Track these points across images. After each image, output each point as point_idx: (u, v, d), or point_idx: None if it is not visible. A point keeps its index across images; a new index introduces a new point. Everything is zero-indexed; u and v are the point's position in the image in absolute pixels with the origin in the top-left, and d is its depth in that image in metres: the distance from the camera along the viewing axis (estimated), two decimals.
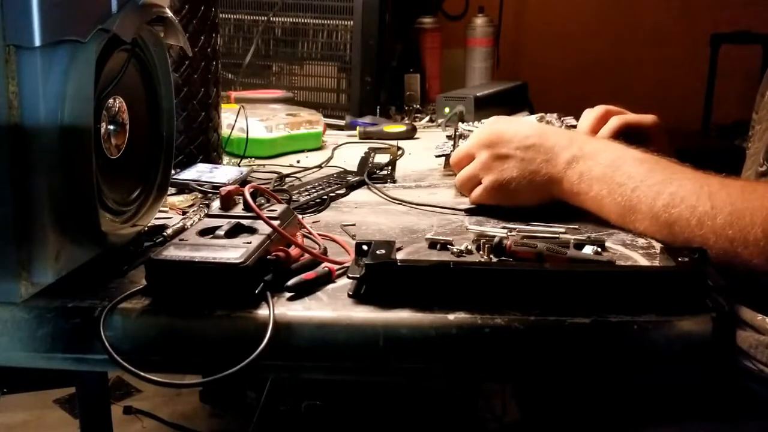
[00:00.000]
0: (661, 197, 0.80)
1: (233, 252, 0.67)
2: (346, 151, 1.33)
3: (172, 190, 0.97)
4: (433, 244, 0.81)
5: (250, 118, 1.25)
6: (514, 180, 0.90)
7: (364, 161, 1.17)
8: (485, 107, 1.56)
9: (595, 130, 1.06)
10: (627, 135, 1.02)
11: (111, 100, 0.73)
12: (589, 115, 1.09)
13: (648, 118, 1.07)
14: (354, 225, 0.89)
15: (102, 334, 0.63)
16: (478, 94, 1.57)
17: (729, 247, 0.74)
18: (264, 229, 0.73)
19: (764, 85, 1.05)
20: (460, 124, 1.24)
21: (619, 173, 0.84)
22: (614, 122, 1.05)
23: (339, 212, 0.96)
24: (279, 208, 0.79)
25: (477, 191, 0.93)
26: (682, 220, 0.78)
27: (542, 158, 0.89)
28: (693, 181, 0.80)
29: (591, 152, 0.88)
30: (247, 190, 0.76)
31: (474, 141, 0.95)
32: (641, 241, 0.81)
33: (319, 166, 1.21)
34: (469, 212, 0.94)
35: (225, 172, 1.08)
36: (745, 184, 0.81)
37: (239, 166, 1.19)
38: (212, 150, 1.17)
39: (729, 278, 0.71)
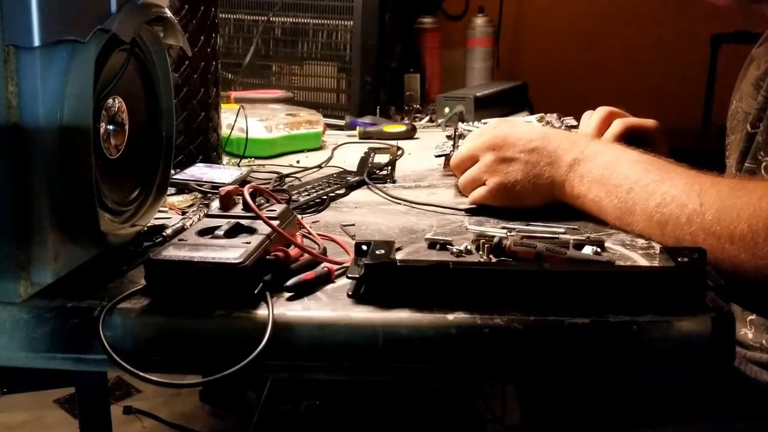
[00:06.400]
0: (653, 197, 0.80)
1: (232, 252, 0.66)
2: (346, 151, 1.33)
3: (171, 190, 0.97)
4: (432, 244, 0.81)
5: (250, 118, 1.25)
6: (518, 183, 0.90)
7: (363, 161, 1.17)
8: (485, 107, 1.56)
9: (600, 132, 1.06)
10: (629, 138, 1.02)
11: (110, 100, 0.73)
12: (593, 117, 1.09)
13: (649, 122, 1.07)
14: (353, 225, 0.89)
15: (101, 334, 0.63)
16: (478, 94, 1.57)
17: (716, 243, 0.74)
18: (263, 229, 0.72)
19: (735, 92, 1.05)
20: (460, 124, 1.24)
21: (615, 175, 0.84)
22: (618, 125, 1.06)
23: (339, 212, 0.96)
24: (278, 208, 0.79)
25: (480, 191, 0.93)
26: (673, 218, 0.78)
27: (545, 161, 0.89)
28: (685, 179, 0.80)
29: (591, 154, 0.88)
30: (246, 190, 0.76)
31: (477, 143, 0.94)
32: (641, 241, 0.81)
33: (319, 166, 1.21)
34: (469, 212, 0.93)
35: (225, 172, 1.08)
36: (734, 182, 0.82)
37: (239, 166, 1.19)
38: (212, 150, 1.16)
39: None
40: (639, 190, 0.81)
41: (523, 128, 0.95)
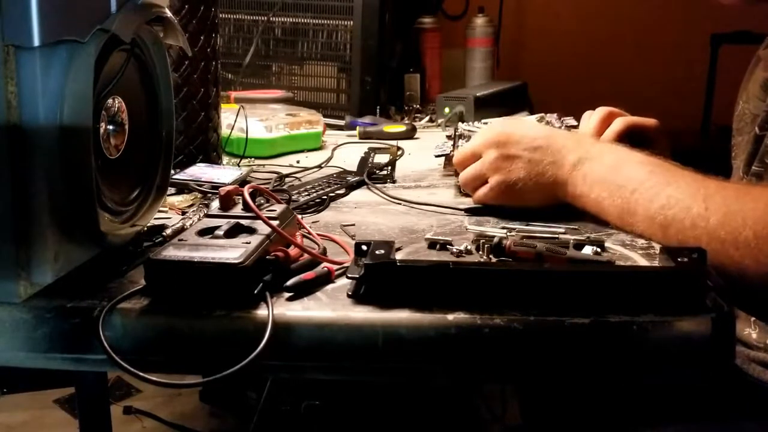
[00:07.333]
0: (657, 199, 0.80)
1: (232, 252, 0.66)
2: (346, 151, 1.33)
3: (171, 190, 0.97)
4: (432, 245, 0.81)
5: (250, 118, 1.25)
6: (520, 180, 0.90)
7: (363, 161, 1.17)
8: (485, 107, 1.56)
9: (599, 131, 1.06)
10: (629, 137, 1.02)
11: (110, 100, 0.73)
12: (592, 117, 1.09)
13: (650, 121, 1.07)
14: (353, 225, 0.89)
15: (101, 334, 0.63)
16: (478, 94, 1.57)
17: (720, 248, 0.74)
18: (263, 229, 0.72)
19: (741, 92, 1.05)
20: (460, 124, 1.24)
21: (620, 176, 0.84)
22: (618, 124, 1.05)
23: (339, 212, 0.96)
24: (278, 208, 0.79)
25: (483, 190, 0.93)
26: (677, 221, 0.78)
27: (549, 160, 0.89)
28: (690, 183, 0.80)
29: (596, 155, 0.88)
30: (246, 190, 0.76)
31: (481, 140, 0.94)
32: (641, 241, 0.81)
33: (319, 166, 1.21)
34: (469, 212, 0.93)
35: (225, 172, 1.08)
36: (740, 187, 0.81)
37: (239, 166, 1.19)
38: (212, 150, 1.16)
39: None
40: (643, 191, 0.81)
41: (528, 126, 0.94)
